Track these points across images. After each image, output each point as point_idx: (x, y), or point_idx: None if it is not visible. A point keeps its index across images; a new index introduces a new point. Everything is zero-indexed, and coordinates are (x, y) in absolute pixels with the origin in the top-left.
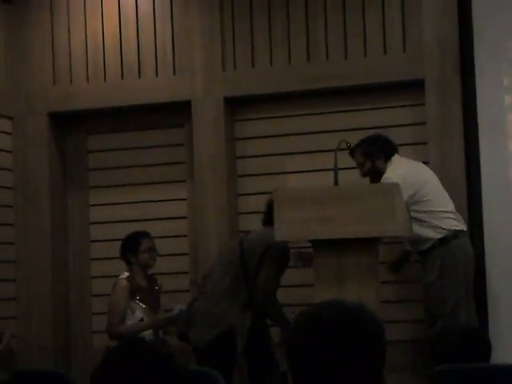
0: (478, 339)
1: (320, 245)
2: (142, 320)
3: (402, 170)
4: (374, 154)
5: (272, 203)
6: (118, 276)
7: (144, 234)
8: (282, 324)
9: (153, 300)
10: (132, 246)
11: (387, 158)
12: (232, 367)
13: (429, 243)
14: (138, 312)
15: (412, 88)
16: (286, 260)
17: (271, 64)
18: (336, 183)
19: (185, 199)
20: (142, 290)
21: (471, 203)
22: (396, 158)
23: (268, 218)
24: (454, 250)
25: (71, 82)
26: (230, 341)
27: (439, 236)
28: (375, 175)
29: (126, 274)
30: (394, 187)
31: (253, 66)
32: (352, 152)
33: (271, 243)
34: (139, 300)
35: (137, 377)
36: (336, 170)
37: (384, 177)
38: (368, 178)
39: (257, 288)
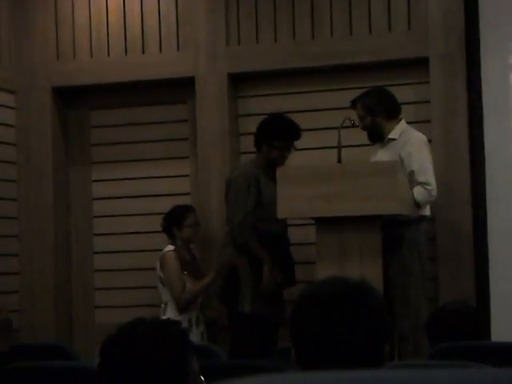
0: (474, 317)
1: (323, 222)
2: None
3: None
4: (375, 109)
5: (261, 125)
6: (122, 251)
7: (189, 209)
8: (262, 259)
9: (197, 271)
10: (177, 220)
11: (390, 116)
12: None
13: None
14: (188, 284)
15: (416, 66)
16: (243, 187)
17: (275, 40)
18: (339, 161)
19: (188, 175)
20: (187, 263)
21: (475, 181)
22: (406, 125)
23: (256, 141)
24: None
25: (75, 56)
26: (235, 285)
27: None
28: (374, 132)
29: (171, 247)
30: (397, 165)
31: (257, 42)
32: (354, 104)
33: (228, 179)
34: (187, 272)
35: (146, 352)
36: (339, 147)
37: (417, 135)
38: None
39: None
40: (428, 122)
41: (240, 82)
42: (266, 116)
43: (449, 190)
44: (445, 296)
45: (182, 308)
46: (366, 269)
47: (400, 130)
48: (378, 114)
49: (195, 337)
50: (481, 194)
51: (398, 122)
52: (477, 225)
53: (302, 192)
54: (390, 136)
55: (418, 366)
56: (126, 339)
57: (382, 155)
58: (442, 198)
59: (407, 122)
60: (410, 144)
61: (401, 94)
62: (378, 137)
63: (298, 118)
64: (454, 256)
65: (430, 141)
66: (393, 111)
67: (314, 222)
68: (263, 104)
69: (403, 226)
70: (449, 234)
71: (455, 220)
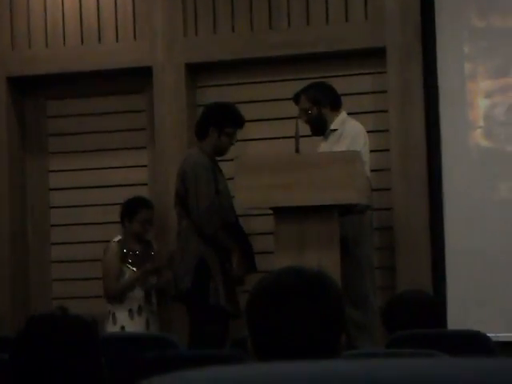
0: (431, 305)
1: (281, 212)
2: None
3: (361, 126)
4: (322, 100)
5: (202, 113)
6: (80, 242)
7: (145, 204)
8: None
9: (145, 264)
10: (129, 212)
11: (333, 107)
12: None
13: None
14: (128, 276)
15: (373, 56)
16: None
17: (233, 30)
18: (297, 151)
19: (145, 166)
20: (133, 255)
21: (431, 170)
22: (346, 115)
23: (196, 130)
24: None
25: (30, 46)
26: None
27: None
28: (319, 123)
29: (119, 237)
30: (355, 155)
31: (214, 31)
32: (297, 97)
33: (182, 170)
34: (130, 264)
35: (58, 344)
36: (297, 137)
37: (354, 124)
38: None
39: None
40: (385, 111)
41: (198, 72)
42: (209, 104)
43: (405, 179)
44: (401, 285)
45: (110, 298)
46: (324, 258)
47: (340, 121)
48: (323, 105)
49: (138, 326)
50: (437, 183)
51: (339, 114)
52: (433, 213)
53: (260, 182)
54: (332, 127)
55: (374, 354)
56: (35, 335)
57: (324, 147)
58: (398, 187)
59: (364, 112)
60: (344, 137)
61: (358, 83)
62: (322, 129)
63: (255, 108)
64: (410, 245)
65: (387, 130)
66: (336, 102)
67: (272, 211)
68: (221, 94)
69: (346, 216)
70: (405, 222)
71: (412, 209)
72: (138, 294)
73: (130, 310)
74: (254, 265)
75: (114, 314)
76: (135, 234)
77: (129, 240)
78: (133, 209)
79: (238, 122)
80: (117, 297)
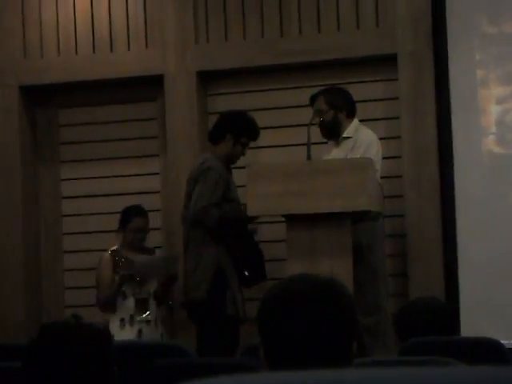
0: (444, 312)
1: (293, 219)
2: (124, 294)
3: (374, 134)
4: (339, 105)
5: (220, 119)
6: (92, 250)
7: (137, 213)
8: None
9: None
10: (123, 221)
11: (349, 114)
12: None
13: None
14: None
15: (385, 63)
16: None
17: (244, 38)
18: (309, 158)
19: (157, 173)
20: (126, 263)
21: (443, 177)
22: (358, 123)
23: (211, 134)
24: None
25: (42, 55)
26: (224, 282)
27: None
28: (332, 128)
29: (114, 247)
30: (367, 162)
31: (226, 39)
32: (314, 97)
33: (196, 173)
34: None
35: (71, 352)
36: (309, 144)
37: (367, 133)
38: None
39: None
40: (397, 118)
41: (209, 80)
42: (228, 111)
43: (417, 186)
44: (414, 292)
45: (100, 307)
46: (337, 266)
47: (353, 129)
48: (340, 110)
49: (128, 336)
50: (450, 190)
51: (352, 121)
52: (446, 220)
53: (272, 189)
54: (345, 134)
55: (387, 362)
56: (48, 343)
57: (336, 153)
58: (410, 194)
59: (376, 119)
60: (359, 146)
61: (369, 90)
62: (335, 133)
63: (266, 116)
64: (423, 252)
65: (399, 137)
66: (352, 110)
67: (284, 219)
68: (232, 102)
69: (360, 223)
70: (417, 229)
71: (424, 216)
72: (129, 303)
73: (122, 320)
74: (264, 273)
75: (108, 324)
76: (129, 242)
77: (124, 249)
78: (126, 217)
79: (255, 134)
80: (105, 305)
